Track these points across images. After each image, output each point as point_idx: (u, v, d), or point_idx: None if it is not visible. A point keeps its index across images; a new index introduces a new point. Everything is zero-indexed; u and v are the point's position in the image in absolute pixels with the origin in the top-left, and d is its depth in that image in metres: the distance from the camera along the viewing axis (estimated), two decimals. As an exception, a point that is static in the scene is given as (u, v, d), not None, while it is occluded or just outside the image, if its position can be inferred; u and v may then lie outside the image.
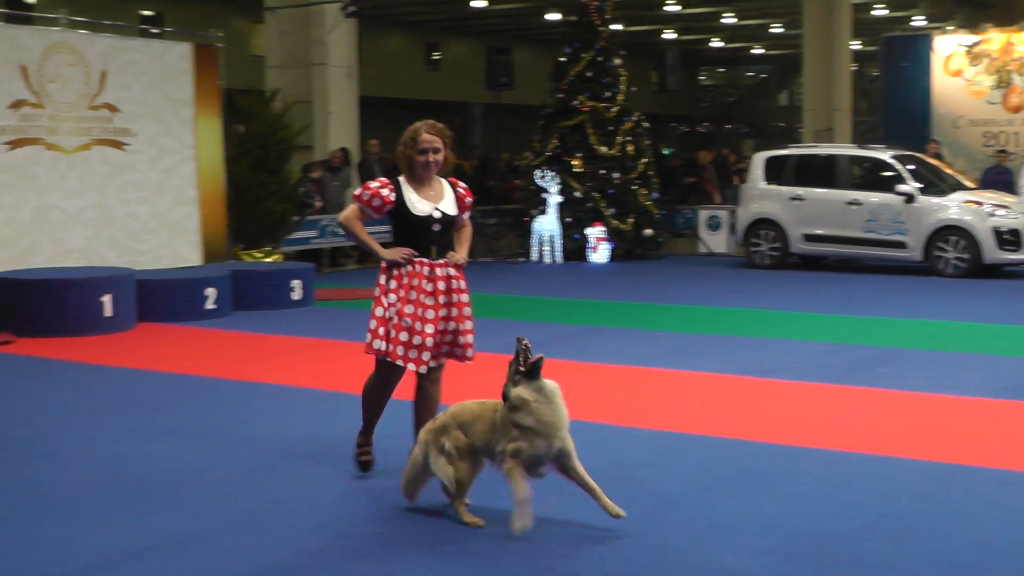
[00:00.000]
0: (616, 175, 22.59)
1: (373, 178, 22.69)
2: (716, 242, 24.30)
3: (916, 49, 30.59)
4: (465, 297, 7.49)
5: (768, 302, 16.72)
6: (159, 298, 15.21)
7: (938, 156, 24.52)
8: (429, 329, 7.25)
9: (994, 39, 29.55)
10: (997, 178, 22.72)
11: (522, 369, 6.39)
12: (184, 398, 10.36)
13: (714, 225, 24.44)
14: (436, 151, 7.33)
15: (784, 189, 21.07)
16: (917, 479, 7.53)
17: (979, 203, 19.61)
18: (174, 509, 6.95)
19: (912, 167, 20.32)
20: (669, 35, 50.03)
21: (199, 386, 10.87)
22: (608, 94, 23.05)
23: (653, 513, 6.79)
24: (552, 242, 22.38)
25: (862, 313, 15.46)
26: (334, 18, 24.09)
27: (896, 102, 30.80)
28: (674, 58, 25.43)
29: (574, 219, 22.44)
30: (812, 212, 20.72)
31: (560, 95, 23.24)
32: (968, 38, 29.98)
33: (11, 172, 15.75)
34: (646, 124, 23.78)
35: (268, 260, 18.69)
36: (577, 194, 22.40)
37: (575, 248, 22.43)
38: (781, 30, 48.53)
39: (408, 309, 7.23)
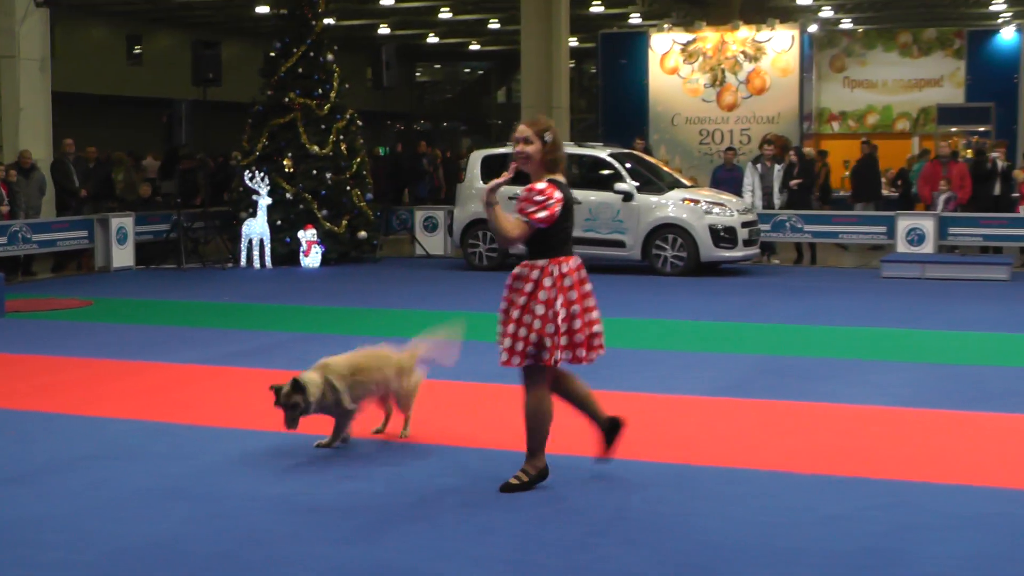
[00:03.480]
0: (329, 175, 22.40)
1: (69, 179, 22.36)
2: (433, 244, 24.39)
3: (633, 46, 31.52)
4: (520, 300, 7.32)
5: (486, 304, 16.82)
6: None
7: (647, 151, 25.19)
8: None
9: (708, 37, 30.66)
10: (728, 175, 23.46)
11: None
12: None
13: (431, 226, 24.54)
14: (526, 142, 7.37)
15: (502, 188, 21.21)
16: (648, 481, 7.70)
17: (696, 201, 20.25)
18: None
19: (630, 165, 20.82)
20: (384, 30, 50.08)
21: None
22: (320, 91, 22.83)
23: (380, 524, 6.76)
24: (262, 246, 22.05)
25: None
26: (25, 6, 23.16)
27: (614, 100, 31.67)
28: (389, 54, 25.37)
29: (285, 221, 22.15)
30: (531, 212, 20.93)
31: (270, 91, 22.93)
32: (683, 36, 31.02)
33: None
34: (360, 122, 23.69)
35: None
36: (288, 195, 22.12)
37: (287, 252, 22.14)
38: (499, 26, 49.09)
39: None
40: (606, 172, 20.68)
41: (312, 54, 22.90)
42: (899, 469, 8.05)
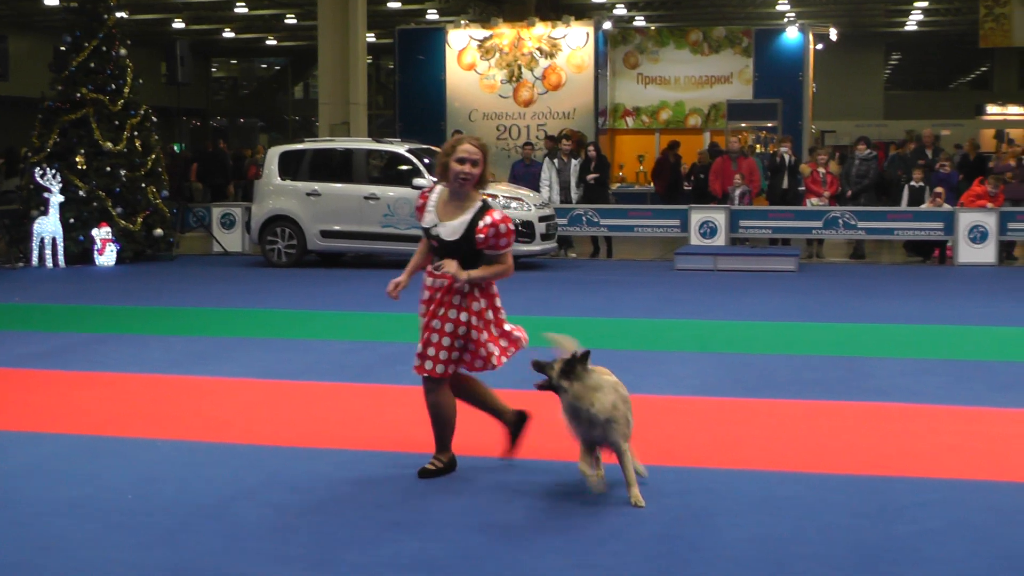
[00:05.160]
0: (123, 172, 22.02)
1: None
2: (231, 241, 24.15)
3: (430, 42, 31.61)
4: (442, 311, 7.56)
5: (285, 301, 16.79)
6: None
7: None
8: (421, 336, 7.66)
9: (504, 34, 30.92)
10: (526, 171, 23.69)
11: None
12: None
13: (228, 223, 24.28)
14: (475, 164, 7.49)
15: (300, 184, 21.19)
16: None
17: (493, 196, 20.41)
18: None
19: (428, 160, 20.89)
20: (179, 25, 49.30)
21: None
22: (113, 86, 22.41)
23: (180, 526, 6.70)
24: (54, 245, 21.54)
25: (380, 309, 15.75)
26: None
27: (412, 95, 31.71)
28: (184, 49, 25.06)
29: (78, 219, 21.68)
30: (329, 208, 20.93)
31: (60, 87, 22.42)
32: (480, 32, 31.22)
33: None
34: (155, 118, 23.33)
35: None
36: (81, 193, 21.67)
37: (80, 251, 21.67)
38: (295, 21, 48.72)
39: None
40: (404, 168, 20.74)
41: (104, 48, 22.45)
42: (689, 456, 8.28)
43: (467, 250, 7.56)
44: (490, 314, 7.67)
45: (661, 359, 12.15)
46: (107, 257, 21.58)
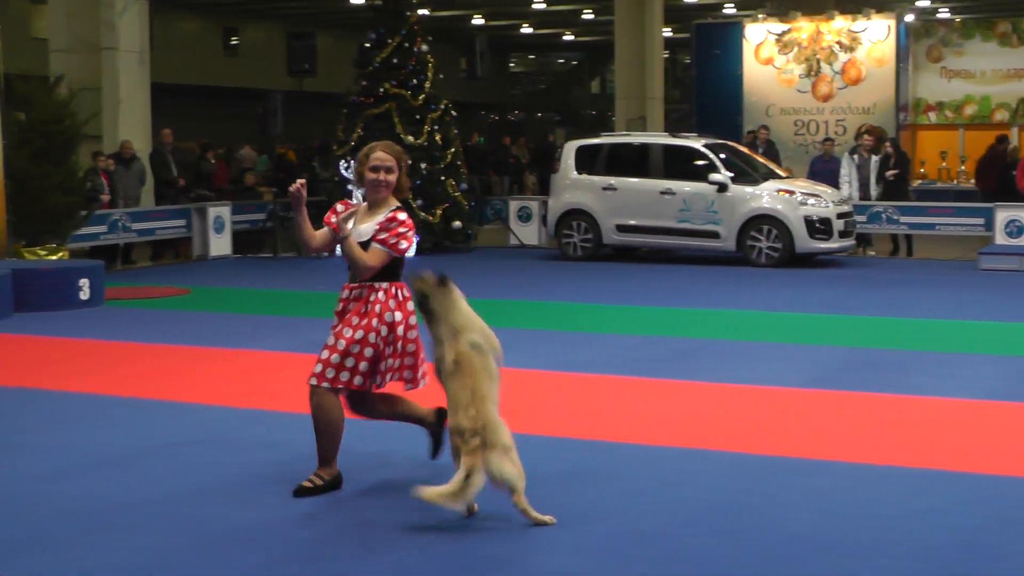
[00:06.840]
0: (423, 165, 22.48)
1: (168, 170, 22.64)
2: (527, 234, 24.40)
3: (727, 37, 31.27)
4: (354, 320, 7.39)
5: (579, 295, 16.86)
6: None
7: (769, 143, 25.03)
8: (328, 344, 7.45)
9: (803, 28, 30.36)
10: (825, 166, 23.25)
11: None
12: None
13: (525, 216, 24.54)
14: (388, 171, 7.28)
15: (596, 179, 21.27)
16: (737, 472, 7.67)
17: (791, 192, 20.10)
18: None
19: (724, 156, 20.69)
20: (478, 21, 50.11)
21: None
22: (415, 81, 22.92)
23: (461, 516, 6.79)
24: (357, 235, 22.16)
25: (675, 304, 15.70)
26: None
27: (708, 90, 31.44)
28: (483, 44, 25.47)
29: (380, 211, 22.24)
30: (624, 202, 20.95)
31: (364, 82, 23.07)
32: (778, 26, 30.74)
33: None
34: (454, 112, 23.77)
35: (53, 258, 18.14)
36: (383, 185, 22.22)
37: (381, 242, 22.23)
38: (592, 16, 48.95)
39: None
40: (700, 163, 20.58)
41: (406, 45, 22.99)
42: (995, 463, 7.94)
43: None
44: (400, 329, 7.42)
45: (961, 361, 11.71)
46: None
